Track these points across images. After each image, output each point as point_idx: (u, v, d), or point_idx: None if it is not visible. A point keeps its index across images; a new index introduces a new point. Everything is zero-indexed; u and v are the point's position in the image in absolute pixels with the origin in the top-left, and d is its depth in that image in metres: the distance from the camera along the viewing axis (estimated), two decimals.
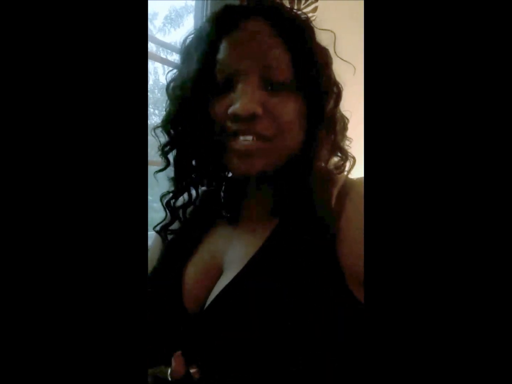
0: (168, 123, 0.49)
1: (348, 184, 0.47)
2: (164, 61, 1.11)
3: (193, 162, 0.51)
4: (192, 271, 0.49)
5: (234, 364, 0.40)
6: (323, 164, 0.48)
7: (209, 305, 0.44)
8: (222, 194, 0.54)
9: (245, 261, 0.43)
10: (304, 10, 1.17)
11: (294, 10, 0.49)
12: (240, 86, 0.43)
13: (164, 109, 0.50)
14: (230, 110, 0.42)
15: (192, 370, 0.41)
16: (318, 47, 0.47)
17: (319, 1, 1.23)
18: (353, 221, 0.42)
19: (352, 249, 0.40)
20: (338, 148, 0.49)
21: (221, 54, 0.44)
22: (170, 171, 0.52)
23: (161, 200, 0.54)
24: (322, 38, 0.48)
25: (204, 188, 0.56)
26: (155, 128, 0.50)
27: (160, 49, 1.17)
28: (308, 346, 0.38)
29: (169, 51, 1.18)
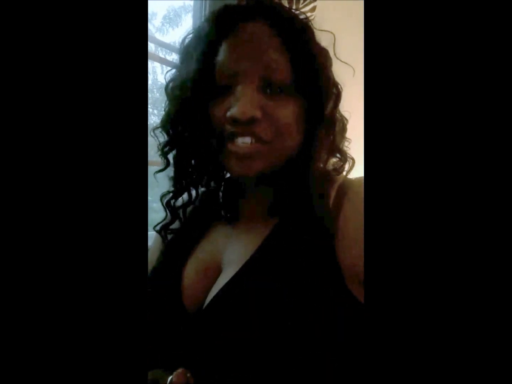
0: (167, 124, 0.49)
1: (347, 184, 0.47)
2: (163, 61, 1.11)
3: (193, 162, 0.51)
4: (191, 270, 0.49)
5: (233, 363, 0.40)
6: (321, 165, 0.48)
7: (208, 304, 0.44)
8: (221, 194, 0.54)
9: (244, 260, 0.44)
10: (303, 10, 1.18)
11: (293, 10, 0.49)
12: (239, 89, 0.43)
13: (163, 109, 0.50)
14: (229, 114, 0.42)
15: (179, 371, 0.41)
16: (317, 48, 0.47)
17: (317, 1, 1.23)
18: (352, 220, 0.42)
19: (351, 249, 0.41)
20: (337, 149, 0.49)
21: (220, 56, 0.44)
22: (170, 171, 0.52)
23: (161, 200, 0.54)
24: (321, 38, 0.48)
25: (203, 189, 0.56)
26: (154, 129, 0.51)
27: (159, 48, 1.17)
28: (308, 346, 0.38)
29: (168, 51, 1.18)
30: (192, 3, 1.18)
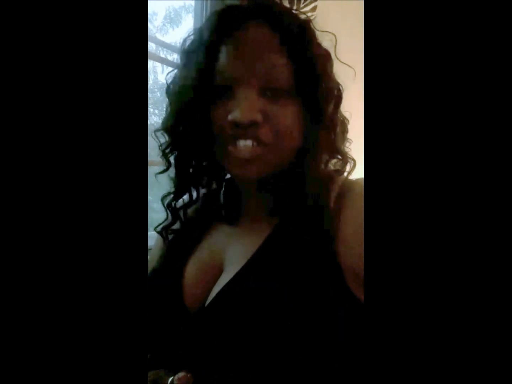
0: (168, 125, 0.49)
1: (347, 185, 0.47)
2: (164, 61, 1.11)
3: (193, 163, 0.51)
4: (193, 270, 0.50)
5: (233, 362, 0.40)
6: (322, 166, 0.48)
7: (209, 303, 0.44)
8: (221, 194, 0.54)
9: (245, 260, 0.44)
10: (304, 10, 1.17)
11: (294, 11, 0.49)
12: (240, 93, 0.43)
13: (164, 109, 0.50)
14: (230, 117, 0.42)
15: (181, 374, 0.41)
16: (318, 50, 0.47)
17: (318, 0, 1.23)
18: (352, 220, 0.42)
19: (351, 249, 0.41)
20: (337, 150, 0.49)
21: (221, 60, 0.44)
22: (170, 172, 0.52)
23: (162, 201, 0.54)
24: (323, 38, 0.48)
25: (204, 190, 0.56)
26: (156, 131, 0.51)
27: (160, 48, 1.17)
28: (308, 346, 0.38)
29: (169, 51, 1.18)
30: (193, 2, 1.18)
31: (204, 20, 1.10)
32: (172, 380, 0.40)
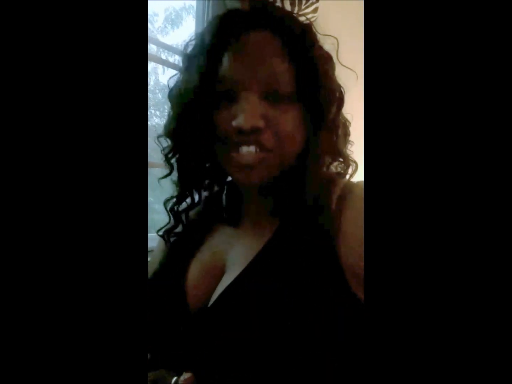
0: (171, 129, 0.49)
1: (349, 187, 0.47)
2: (165, 62, 1.11)
3: (196, 166, 0.52)
4: (195, 271, 0.50)
5: (234, 362, 0.40)
6: (324, 169, 0.48)
7: (212, 304, 0.44)
8: (223, 197, 0.54)
9: (247, 262, 0.44)
10: (305, 11, 1.17)
11: (295, 15, 0.49)
12: (242, 99, 0.43)
13: (165, 111, 0.51)
14: (234, 124, 0.42)
15: (187, 375, 0.41)
16: (320, 54, 0.47)
17: (319, 2, 1.23)
18: (353, 222, 0.42)
19: (352, 250, 0.41)
20: (339, 153, 0.49)
21: (223, 66, 0.44)
22: (172, 175, 0.52)
23: (164, 205, 0.54)
24: (324, 40, 0.48)
25: (206, 193, 0.56)
26: (159, 137, 0.51)
27: (161, 50, 1.17)
28: (309, 346, 0.38)
29: (171, 52, 1.18)
30: (194, 3, 1.18)
31: (205, 22, 1.10)
32: (177, 380, 0.40)
